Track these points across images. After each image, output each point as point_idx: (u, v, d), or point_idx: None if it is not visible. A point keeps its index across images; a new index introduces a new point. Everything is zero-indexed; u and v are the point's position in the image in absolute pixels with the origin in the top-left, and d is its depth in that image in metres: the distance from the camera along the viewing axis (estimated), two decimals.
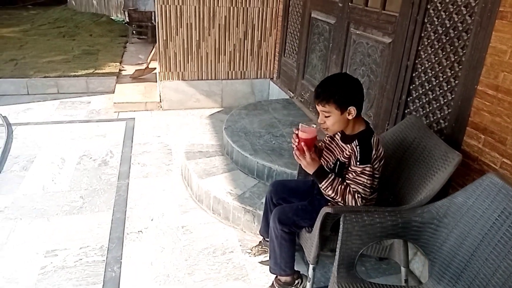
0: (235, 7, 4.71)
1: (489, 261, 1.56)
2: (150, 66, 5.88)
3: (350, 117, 1.87)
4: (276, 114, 3.97)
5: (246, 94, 5.17)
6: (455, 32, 2.24)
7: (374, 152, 1.87)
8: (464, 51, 2.17)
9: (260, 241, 2.53)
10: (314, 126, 1.93)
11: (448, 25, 2.29)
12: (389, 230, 1.73)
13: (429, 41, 2.45)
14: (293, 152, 1.94)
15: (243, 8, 4.75)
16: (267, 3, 4.79)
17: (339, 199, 1.87)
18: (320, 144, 2.19)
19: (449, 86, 2.29)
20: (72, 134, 4.24)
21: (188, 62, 4.83)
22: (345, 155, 1.94)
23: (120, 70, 6.32)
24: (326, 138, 2.15)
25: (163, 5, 4.49)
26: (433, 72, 2.42)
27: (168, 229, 2.77)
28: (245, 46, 4.94)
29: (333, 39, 3.62)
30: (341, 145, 2.01)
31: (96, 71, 6.04)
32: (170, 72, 4.82)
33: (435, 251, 1.74)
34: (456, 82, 2.23)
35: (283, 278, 2.15)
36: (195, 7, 4.58)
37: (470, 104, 2.10)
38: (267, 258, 2.30)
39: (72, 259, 2.46)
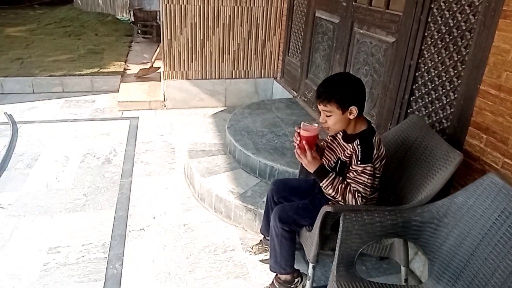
0: (239, 7, 4.72)
1: (489, 261, 1.56)
2: (154, 65, 5.91)
3: (351, 117, 1.87)
4: (279, 113, 3.97)
5: (249, 94, 5.18)
6: (459, 32, 2.23)
7: (375, 151, 1.87)
8: (467, 51, 2.16)
9: (261, 240, 2.54)
10: (316, 125, 1.93)
11: (451, 24, 2.28)
12: (389, 229, 1.73)
13: (432, 40, 2.44)
14: (295, 150, 1.94)
15: (248, 7, 4.76)
16: (272, 2, 4.79)
17: (340, 198, 1.87)
18: (322, 143, 2.19)
19: (451, 86, 2.29)
20: (76, 132, 4.26)
21: (192, 61, 4.84)
22: (347, 154, 1.94)
23: (125, 69, 6.35)
24: (328, 137, 2.15)
25: (167, 5, 4.50)
26: (436, 72, 2.41)
27: (170, 227, 2.78)
28: (249, 46, 4.95)
29: (336, 39, 3.61)
30: (343, 144, 2.00)
31: (101, 70, 6.08)
32: (174, 71, 4.84)
33: (435, 250, 1.74)
34: (459, 81, 2.22)
35: (283, 277, 2.15)
36: (200, 6, 4.59)
37: (472, 104, 2.09)
38: (268, 257, 2.31)
39: (74, 256, 2.48)
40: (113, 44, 8.06)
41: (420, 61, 2.54)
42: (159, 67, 5.53)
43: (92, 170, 3.50)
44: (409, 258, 2.40)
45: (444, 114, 2.34)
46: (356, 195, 1.84)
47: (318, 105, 1.90)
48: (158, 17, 8.27)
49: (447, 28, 2.31)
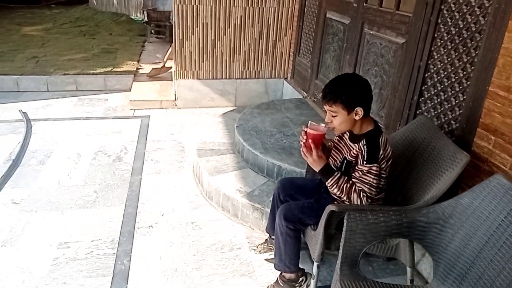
0: (251, 7, 4.74)
1: (494, 263, 1.55)
2: (166, 65, 5.96)
3: (357, 118, 1.87)
4: (289, 113, 3.98)
5: (260, 94, 5.19)
6: (468, 33, 2.21)
7: (381, 152, 1.87)
8: (476, 52, 2.15)
9: (266, 239, 2.55)
10: (323, 125, 1.94)
11: (461, 26, 2.27)
12: (394, 229, 1.73)
13: (442, 41, 2.43)
14: (301, 148, 1.95)
15: (259, 8, 4.78)
16: (283, 3, 4.80)
17: (345, 198, 1.88)
18: (329, 144, 2.19)
19: (461, 87, 2.27)
20: (89, 130, 4.33)
21: (203, 61, 4.87)
22: (353, 154, 1.94)
23: (137, 68, 6.41)
24: (335, 137, 2.16)
25: (180, 5, 4.54)
26: (445, 73, 2.40)
27: (177, 224, 2.81)
28: (260, 46, 4.97)
29: (347, 39, 3.61)
30: (349, 144, 2.01)
31: (114, 69, 6.16)
32: (185, 71, 4.88)
33: (440, 251, 1.73)
34: (468, 83, 2.21)
35: (287, 275, 2.16)
36: (211, 6, 4.62)
37: (481, 105, 2.08)
38: (273, 256, 2.32)
39: (83, 251, 2.52)
40: (126, 44, 8.15)
41: (429, 62, 2.53)
42: (171, 67, 5.58)
43: (103, 167, 3.55)
44: (417, 259, 2.39)
45: (453, 115, 2.33)
46: (361, 195, 1.84)
47: (324, 105, 1.91)
48: (171, 18, 8.33)
49: (456, 29, 2.30)
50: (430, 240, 1.76)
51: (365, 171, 1.85)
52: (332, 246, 2.01)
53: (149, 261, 2.47)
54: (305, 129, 1.94)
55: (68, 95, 5.47)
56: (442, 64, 2.42)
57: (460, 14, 2.27)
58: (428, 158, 2.08)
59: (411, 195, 2.07)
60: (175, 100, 5.05)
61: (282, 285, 2.17)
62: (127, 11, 11.43)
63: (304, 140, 1.93)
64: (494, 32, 2.01)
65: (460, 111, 2.27)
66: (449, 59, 2.36)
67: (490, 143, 2.02)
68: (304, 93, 4.56)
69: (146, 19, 8.67)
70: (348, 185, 1.87)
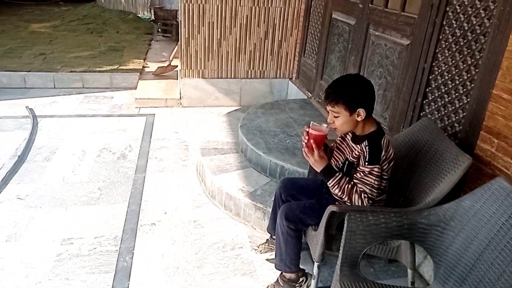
0: (257, 7, 4.75)
1: (495, 266, 1.54)
2: (172, 63, 5.98)
3: (359, 119, 1.87)
4: (293, 113, 3.99)
5: (264, 94, 5.20)
6: (473, 35, 2.21)
7: (383, 153, 1.87)
8: (481, 54, 2.14)
9: (268, 239, 2.56)
10: (325, 125, 1.95)
11: (466, 28, 2.26)
12: (394, 230, 1.73)
13: (446, 43, 2.42)
14: (302, 149, 1.96)
15: (265, 7, 4.78)
16: (289, 3, 4.80)
17: (346, 198, 1.88)
18: (332, 144, 2.20)
19: (464, 90, 2.27)
20: (94, 127, 4.36)
21: (208, 60, 4.89)
22: (354, 155, 1.95)
23: (143, 67, 6.44)
24: (338, 138, 2.16)
25: (186, 4, 4.56)
26: (449, 75, 2.39)
27: (180, 222, 2.83)
28: (265, 46, 4.97)
29: (352, 40, 3.61)
30: (351, 145, 2.01)
31: (120, 67, 6.19)
32: (190, 70, 4.89)
33: (441, 253, 1.73)
34: (472, 85, 2.20)
35: (288, 275, 2.17)
36: (218, 6, 4.63)
37: (484, 108, 2.07)
38: (274, 256, 2.32)
39: (86, 248, 2.54)
40: (133, 42, 8.18)
41: (434, 64, 2.53)
42: (177, 66, 5.60)
43: (108, 164, 3.57)
44: (418, 261, 2.39)
45: (456, 118, 2.33)
46: (363, 196, 1.84)
47: (327, 106, 1.91)
48: (178, 16, 8.35)
49: (461, 31, 2.29)
50: (431, 242, 1.76)
51: (366, 172, 1.85)
52: (333, 246, 2.01)
53: (151, 258, 2.49)
54: (307, 129, 1.94)
55: (74, 92, 5.51)
56: (446, 66, 2.41)
57: (465, 16, 2.26)
58: (430, 160, 2.08)
59: (413, 197, 2.07)
60: (180, 98, 5.07)
61: (282, 285, 2.18)
62: (134, 9, 11.48)
63: (306, 140, 1.94)
64: (498, 35, 2.00)
65: (464, 114, 2.26)
66: (453, 61, 2.35)
67: (493, 146, 2.01)
68: (309, 93, 4.56)
69: (153, 17, 8.70)
70: (350, 186, 1.88)
